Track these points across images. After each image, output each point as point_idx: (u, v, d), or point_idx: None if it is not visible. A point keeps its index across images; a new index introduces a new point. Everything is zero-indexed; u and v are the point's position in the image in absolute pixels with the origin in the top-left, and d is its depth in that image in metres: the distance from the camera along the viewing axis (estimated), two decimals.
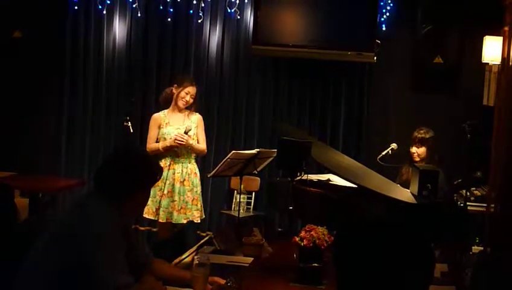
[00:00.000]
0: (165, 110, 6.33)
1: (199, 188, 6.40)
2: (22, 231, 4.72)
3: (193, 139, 6.21)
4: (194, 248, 4.36)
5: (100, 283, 2.93)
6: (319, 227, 3.75)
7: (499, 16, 6.16)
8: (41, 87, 7.78)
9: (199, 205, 6.38)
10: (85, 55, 7.74)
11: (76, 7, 7.67)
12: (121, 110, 7.29)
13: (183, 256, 4.09)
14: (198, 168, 6.43)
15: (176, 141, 6.03)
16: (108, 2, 7.64)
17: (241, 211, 6.39)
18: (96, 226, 3.05)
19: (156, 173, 3.48)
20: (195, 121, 6.32)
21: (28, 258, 3.11)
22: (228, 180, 7.06)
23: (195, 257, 3.92)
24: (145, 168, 3.28)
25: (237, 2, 7.47)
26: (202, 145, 6.36)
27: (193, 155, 6.35)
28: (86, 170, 7.51)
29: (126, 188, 3.15)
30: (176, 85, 6.26)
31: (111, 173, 3.20)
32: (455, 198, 6.46)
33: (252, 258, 4.08)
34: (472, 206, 6.25)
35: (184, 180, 6.28)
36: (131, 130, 6.41)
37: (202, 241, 4.55)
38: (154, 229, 6.73)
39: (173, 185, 6.23)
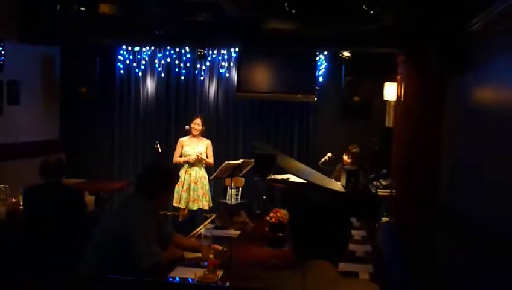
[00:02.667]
0: (187, 136, 6.45)
1: (207, 187, 6.48)
2: (90, 218, 4.70)
3: (201, 154, 6.35)
4: (202, 225, 4.38)
5: (139, 251, 2.93)
6: (282, 210, 3.77)
7: (394, 69, 6.24)
8: (100, 125, 7.76)
9: (208, 197, 6.46)
10: (128, 101, 7.73)
11: (122, 71, 7.68)
12: (153, 137, 7.24)
13: (195, 231, 4.10)
14: (207, 174, 6.48)
15: (191, 159, 6.28)
16: (143, 67, 7.65)
17: (232, 200, 6.36)
18: (137, 214, 3.06)
19: (174, 181, 3.51)
20: (205, 145, 6.41)
21: (95, 236, 3.11)
22: (223, 180, 7.05)
23: (203, 232, 3.93)
24: (167, 178, 3.30)
25: (226, 65, 7.50)
26: (210, 160, 6.47)
27: (203, 165, 6.40)
28: (130, 177, 7.46)
29: (155, 191, 3.16)
30: (191, 123, 6.48)
31: (146, 181, 3.21)
32: (370, 187, 6.50)
33: (240, 231, 4.08)
34: (381, 191, 6.27)
35: (197, 181, 6.35)
36: (160, 150, 6.45)
37: (207, 221, 4.55)
38: (176, 214, 6.70)
39: (189, 184, 6.29)
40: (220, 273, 2.85)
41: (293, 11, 5.40)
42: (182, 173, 6.31)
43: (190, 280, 2.75)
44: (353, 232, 4.11)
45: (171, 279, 2.87)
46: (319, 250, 1.78)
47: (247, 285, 2.69)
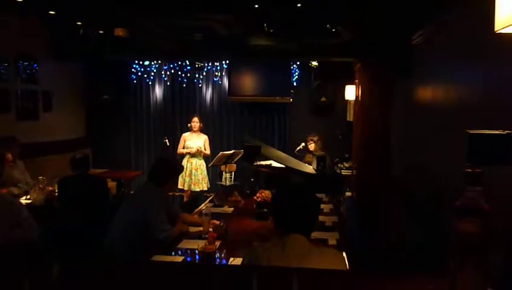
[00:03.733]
0: (188, 132, 6.38)
1: (205, 172, 6.41)
2: (113, 201, 4.65)
3: (200, 148, 6.27)
4: (203, 204, 4.36)
5: (154, 228, 2.92)
6: (266, 190, 3.77)
7: (352, 74, 6.25)
8: (119, 122, 7.66)
9: (206, 181, 6.39)
10: (140, 105, 7.63)
11: (135, 81, 7.58)
12: (162, 134, 7.20)
13: (198, 209, 4.08)
14: (204, 162, 6.42)
15: (192, 151, 6.22)
16: (152, 78, 7.56)
17: (227, 182, 6.38)
18: (150, 199, 3.04)
19: (180, 171, 3.48)
20: (203, 139, 6.36)
21: (116, 216, 3.09)
22: (219, 167, 7.04)
23: (203, 210, 3.92)
24: (174, 168, 3.28)
25: (219, 74, 7.44)
26: (207, 152, 6.39)
27: (202, 155, 6.35)
28: (145, 167, 7.41)
29: (164, 179, 3.14)
30: (190, 121, 6.40)
31: (156, 171, 3.18)
32: (335, 168, 6.53)
33: (233, 208, 4.06)
34: (344, 172, 6.31)
35: (197, 168, 6.29)
36: (168, 144, 6.39)
37: (207, 200, 4.54)
38: (182, 194, 6.66)
39: (191, 170, 6.24)
40: (218, 243, 2.84)
41: (271, 30, 5.38)
42: (184, 162, 6.27)
43: (196, 251, 2.71)
44: (322, 205, 4.11)
45: (180, 250, 2.84)
46: (295, 226, 1.78)
47: (239, 252, 2.68)
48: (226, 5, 4.41)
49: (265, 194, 3.66)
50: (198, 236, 3.05)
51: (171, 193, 5.91)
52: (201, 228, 3.16)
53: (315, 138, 6.33)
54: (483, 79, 2.44)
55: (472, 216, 0.91)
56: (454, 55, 3.01)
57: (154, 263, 1.94)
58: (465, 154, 1.07)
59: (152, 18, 4.70)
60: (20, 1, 4.61)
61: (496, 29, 1.37)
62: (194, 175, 6.27)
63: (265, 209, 3.59)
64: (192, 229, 3.21)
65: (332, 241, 2.95)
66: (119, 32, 5.21)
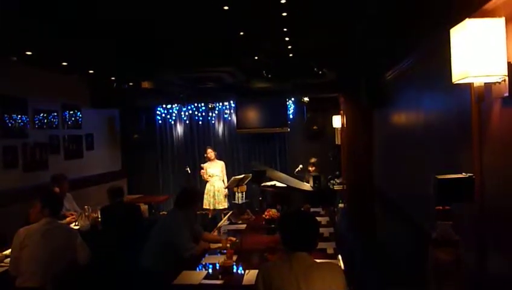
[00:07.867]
0: (207, 162, 6.35)
1: (223, 195, 6.34)
2: (145, 223, 4.61)
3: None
4: (221, 222, 4.32)
5: (180, 247, 2.89)
6: (272, 209, 3.74)
7: (338, 106, 6.28)
8: (148, 156, 7.64)
9: (225, 201, 6.33)
10: (165, 141, 7.64)
11: (160, 121, 7.63)
12: (184, 163, 7.20)
13: (217, 226, 4.04)
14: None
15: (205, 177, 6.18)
16: (174, 118, 7.61)
17: (239, 201, 6.32)
18: (177, 223, 3.02)
19: (199, 198, 3.47)
20: (220, 165, 6.37)
21: (149, 237, 3.06)
22: (233, 188, 7.00)
23: (222, 228, 3.89)
24: (194, 195, 3.27)
25: (228, 112, 7.48)
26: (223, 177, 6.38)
27: (221, 180, 6.33)
28: (171, 191, 7.36)
29: (187, 204, 3.13)
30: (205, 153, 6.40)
31: (181, 199, 3.17)
32: (328, 184, 6.47)
33: (246, 225, 4.01)
34: (336, 187, 6.25)
35: (219, 190, 6.27)
36: (189, 172, 6.37)
37: (225, 218, 4.50)
38: (206, 213, 6.59)
39: (214, 192, 6.21)
40: (235, 258, 2.79)
41: (269, 75, 5.46)
42: (208, 185, 6.29)
43: (217, 264, 2.68)
44: (320, 218, 4.06)
45: (202, 264, 2.80)
46: (299, 245, 1.76)
47: (254, 264, 2.64)
48: (235, 59, 4.50)
49: (272, 212, 3.64)
50: (218, 252, 3.01)
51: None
52: (220, 245, 3.12)
53: (315, 160, 6.31)
54: (442, 106, 2.48)
55: (446, 246, 0.91)
56: (420, 87, 3.03)
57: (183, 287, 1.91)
58: (435, 196, 1.07)
59: (172, 73, 4.79)
60: (65, 64, 4.74)
61: (453, 80, 1.38)
62: (217, 196, 6.26)
63: (272, 225, 3.56)
64: (213, 245, 3.18)
65: (330, 251, 2.90)
66: (145, 84, 5.31)
